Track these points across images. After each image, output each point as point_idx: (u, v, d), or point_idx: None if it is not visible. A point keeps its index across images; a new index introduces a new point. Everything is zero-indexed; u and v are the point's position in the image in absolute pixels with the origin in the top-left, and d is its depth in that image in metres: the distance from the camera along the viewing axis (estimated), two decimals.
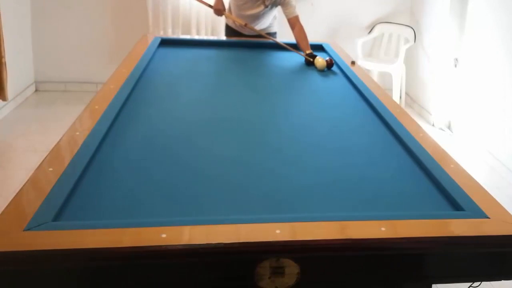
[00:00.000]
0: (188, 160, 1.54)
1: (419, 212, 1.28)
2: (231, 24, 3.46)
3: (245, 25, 3.16)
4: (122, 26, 4.68)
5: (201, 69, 2.67)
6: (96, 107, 1.83)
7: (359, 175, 1.49)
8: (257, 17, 3.24)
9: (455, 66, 4.19)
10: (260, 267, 1.09)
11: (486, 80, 3.78)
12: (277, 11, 3.35)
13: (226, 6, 3.42)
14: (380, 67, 4.71)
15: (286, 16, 3.11)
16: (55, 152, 1.47)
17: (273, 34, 3.41)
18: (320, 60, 2.69)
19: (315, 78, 2.58)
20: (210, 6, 3.35)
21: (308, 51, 2.85)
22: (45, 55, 4.66)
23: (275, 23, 3.45)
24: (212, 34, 4.56)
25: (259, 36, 3.21)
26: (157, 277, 1.09)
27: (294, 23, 3.08)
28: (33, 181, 1.30)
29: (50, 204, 1.18)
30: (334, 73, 2.65)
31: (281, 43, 3.05)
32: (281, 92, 2.38)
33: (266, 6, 3.16)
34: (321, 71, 2.67)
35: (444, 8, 4.18)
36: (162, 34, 4.39)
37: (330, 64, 2.69)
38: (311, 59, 2.76)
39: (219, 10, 3.30)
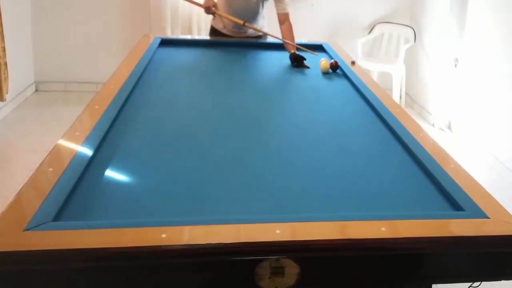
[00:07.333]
0: (188, 160, 1.54)
1: (419, 212, 1.28)
2: (220, 28, 3.31)
3: (244, 24, 3.05)
4: (122, 26, 4.68)
5: (202, 69, 2.67)
6: (96, 107, 1.83)
7: (359, 175, 1.49)
8: (251, 12, 3.14)
9: (455, 66, 4.19)
10: (260, 267, 1.09)
11: (486, 80, 3.78)
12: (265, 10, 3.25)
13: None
14: (380, 67, 4.72)
15: (278, 10, 3.06)
16: (55, 152, 1.47)
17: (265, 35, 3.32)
18: (324, 62, 2.64)
19: (315, 78, 2.57)
20: (200, 5, 3.17)
21: (292, 51, 2.80)
22: (45, 55, 4.66)
23: (265, 23, 3.34)
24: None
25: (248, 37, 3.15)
26: (157, 277, 1.09)
27: (284, 19, 3.05)
28: (33, 181, 1.29)
29: (50, 204, 1.18)
30: (334, 73, 2.65)
31: (275, 36, 2.99)
32: (281, 92, 2.38)
33: None
34: (324, 73, 2.64)
35: (444, 8, 4.18)
36: (161, 34, 4.39)
37: (335, 67, 2.63)
38: (295, 63, 2.73)
39: (209, 7, 3.08)
